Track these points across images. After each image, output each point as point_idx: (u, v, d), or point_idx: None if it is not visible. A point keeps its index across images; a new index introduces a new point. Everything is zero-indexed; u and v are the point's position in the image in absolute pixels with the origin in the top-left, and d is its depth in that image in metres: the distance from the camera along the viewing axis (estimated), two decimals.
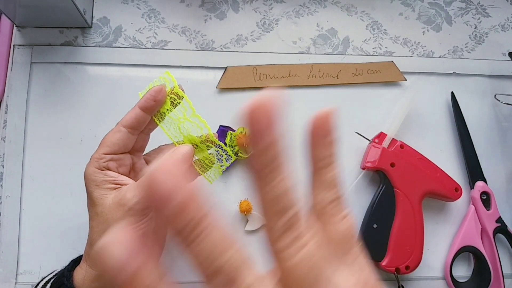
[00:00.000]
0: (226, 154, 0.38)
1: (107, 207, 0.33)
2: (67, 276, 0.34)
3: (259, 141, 0.17)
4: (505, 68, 0.54)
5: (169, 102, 0.36)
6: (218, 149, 0.38)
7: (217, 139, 0.37)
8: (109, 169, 0.34)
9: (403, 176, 0.46)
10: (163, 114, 0.37)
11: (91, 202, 0.34)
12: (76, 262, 0.36)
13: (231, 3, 0.53)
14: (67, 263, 0.37)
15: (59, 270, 0.37)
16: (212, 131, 0.37)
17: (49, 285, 0.35)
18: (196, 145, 0.37)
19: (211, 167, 0.38)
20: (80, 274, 0.34)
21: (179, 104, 0.36)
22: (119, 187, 0.34)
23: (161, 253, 0.39)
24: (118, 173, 0.35)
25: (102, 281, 0.34)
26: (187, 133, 0.37)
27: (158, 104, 0.35)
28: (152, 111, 0.35)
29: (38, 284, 0.36)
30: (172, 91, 0.36)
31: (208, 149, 0.38)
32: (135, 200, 0.32)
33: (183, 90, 0.37)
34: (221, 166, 0.38)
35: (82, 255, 0.36)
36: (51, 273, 0.37)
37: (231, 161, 0.38)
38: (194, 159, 0.37)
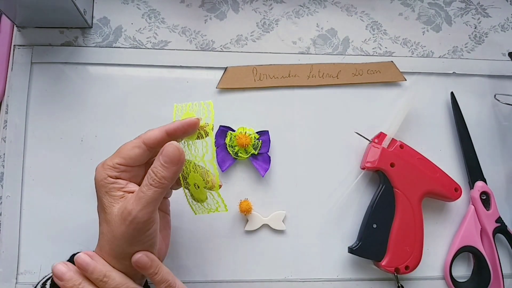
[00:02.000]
0: (220, 204, 0.38)
1: (113, 217, 0.33)
2: None
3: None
4: (505, 68, 0.54)
5: (196, 135, 0.36)
6: (215, 198, 0.38)
7: (220, 194, 0.37)
8: (120, 178, 0.34)
9: (403, 176, 0.46)
10: (184, 142, 0.37)
11: (101, 207, 0.34)
12: None
13: (231, 3, 0.53)
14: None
15: None
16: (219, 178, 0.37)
17: (49, 282, 0.35)
18: (198, 186, 0.37)
19: (200, 205, 0.38)
20: None
21: (202, 139, 0.37)
22: (127, 195, 0.34)
23: (166, 253, 0.40)
24: (130, 181, 0.35)
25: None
26: (197, 172, 0.37)
27: (185, 135, 0.36)
28: (177, 138, 0.36)
29: (38, 284, 0.36)
30: (204, 128, 0.36)
31: (207, 198, 0.38)
32: (134, 214, 0.32)
33: (212, 129, 0.37)
34: (211, 209, 0.38)
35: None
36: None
37: (222, 211, 0.38)
38: (190, 197, 0.38)
